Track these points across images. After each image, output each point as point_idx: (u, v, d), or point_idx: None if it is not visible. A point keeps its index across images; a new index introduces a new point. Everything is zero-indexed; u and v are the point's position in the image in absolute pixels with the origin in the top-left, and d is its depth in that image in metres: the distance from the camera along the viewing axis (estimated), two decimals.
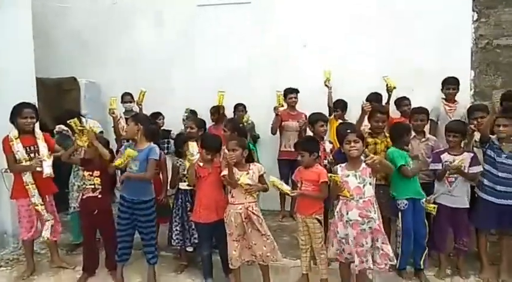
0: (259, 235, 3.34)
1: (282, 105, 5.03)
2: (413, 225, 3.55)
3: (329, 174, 3.16)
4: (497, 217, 3.59)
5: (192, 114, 5.18)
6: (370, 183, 3.12)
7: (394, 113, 4.82)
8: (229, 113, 5.36)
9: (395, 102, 4.90)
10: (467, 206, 3.64)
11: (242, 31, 5.76)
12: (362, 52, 5.40)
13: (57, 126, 4.44)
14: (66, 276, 3.89)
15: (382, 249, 3.14)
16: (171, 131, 5.32)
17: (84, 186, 3.68)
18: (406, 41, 5.30)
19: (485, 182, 3.63)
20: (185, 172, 3.74)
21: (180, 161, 3.92)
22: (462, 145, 3.77)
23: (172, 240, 3.91)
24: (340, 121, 4.81)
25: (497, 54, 5.21)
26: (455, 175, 3.58)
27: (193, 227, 3.79)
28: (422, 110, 4.07)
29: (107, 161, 3.59)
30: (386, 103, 4.71)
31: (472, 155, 3.64)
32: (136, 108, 5.39)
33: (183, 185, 3.90)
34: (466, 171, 3.56)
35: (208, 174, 3.49)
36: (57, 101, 5.29)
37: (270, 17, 5.68)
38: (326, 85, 4.98)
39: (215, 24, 5.87)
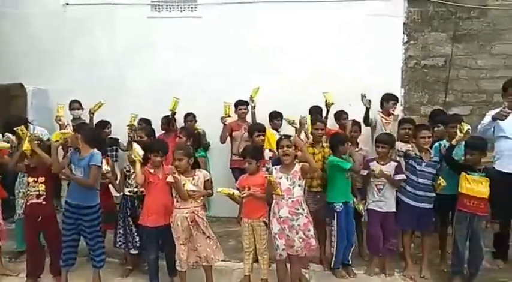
0: (205, 237, 3.55)
1: (229, 116, 5.28)
2: (345, 226, 3.91)
3: (265, 174, 3.44)
4: (418, 219, 4.03)
5: (144, 123, 5.27)
6: (299, 185, 3.48)
7: (333, 125, 5.22)
8: (179, 123, 5.53)
9: (334, 115, 5.28)
10: (395, 210, 4.04)
11: (192, 42, 5.93)
12: (305, 70, 5.73)
13: (5, 134, 4.40)
14: None
15: (308, 239, 3.48)
16: (118, 139, 5.39)
17: (28, 192, 3.72)
18: (344, 60, 5.70)
19: (408, 187, 4.05)
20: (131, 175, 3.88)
21: (128, 166, 4.04)
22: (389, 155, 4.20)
23: (116, 243, 4.02)
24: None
25: (425, 74, 5.78)
26: (383, 182, 3.97)
27: (135, 231, 3.93)
28: (355, 122, 4.48)
29: (50, 167, 3.65)
30: (325, 117, 5.08)
31: (396, 164, 4.05)
32: (84, 116, 5.45)
33: (127, 190, 4.03)
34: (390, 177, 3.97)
35: (158, 180, 3.64)
36: (2, 107, 5.21)
37: (218, 30, 5.89)
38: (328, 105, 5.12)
39: (166, 35, 6.01)
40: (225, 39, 5.88)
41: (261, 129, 4.42)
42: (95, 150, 3.67)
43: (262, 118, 5.28)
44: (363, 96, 4.86)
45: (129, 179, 4.03)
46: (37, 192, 3.64)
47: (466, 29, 5.67)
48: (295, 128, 4.42)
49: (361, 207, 3.98)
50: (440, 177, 3.91)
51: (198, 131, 5.19)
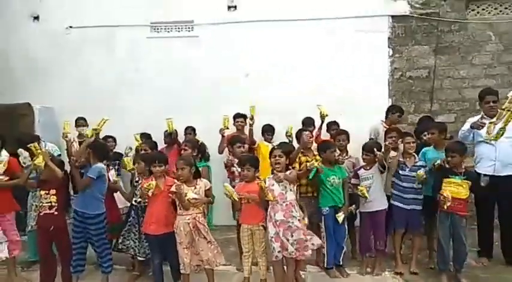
0: (206, 242, 3.80)
1: (228, 128, 5.58)
2: (334, 229, 4.20)
3: (256, 181, 3.74)
4: (407, 220, 4.33)
5: (145, 137, 5.55)
6: (291, 190, 3.76)
7: (325, 135, 5.52)
8: (180, 136, 5.82)
9: (326, 126, 5.60)
10: (385, 207, 4.31)
11: (190, 61, 6.27)
12: (297, 84, 6.10)
13: (18, 150, 4.68)
14: None
15: (302, 242, 3.73)
16: (122, 154, 5.66)
17: (41, 204, 3.96)
18: (335, 73, 6.07)
19: (395, 191, 4.36)
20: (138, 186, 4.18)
21: (138, 177, 4.30)
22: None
23: (122, 245, 4.27)
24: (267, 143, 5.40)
25: (410, 84, 6.13)
26: (369, 185, 4.26)
27: (143, 238, 4.18)
28: (343, 132, 4.81)
29: (61, 180, 3.93)
30: (319, 128, 5.40)
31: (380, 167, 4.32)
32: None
33: (134, 201, 4.30)
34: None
35: (160, 192, 3.88)
36: (11, 125, 5.49)
37: (215, 49, 6.25)
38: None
39: (164, 55, 6.35)
40: (221, 57, 6.23)
41: (241, 141, 4.71)
42: (99, 164, 3.96)
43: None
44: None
45: (136, 189, 4.29)
46: (49, 204, 3.89)
47: (447, 42, 6.04)
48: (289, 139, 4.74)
49: (341, 217, 4.19)
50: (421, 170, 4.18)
51: (201, 142, 5.48)
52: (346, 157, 4.73)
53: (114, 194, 4.50)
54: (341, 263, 4.32)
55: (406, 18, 6.06)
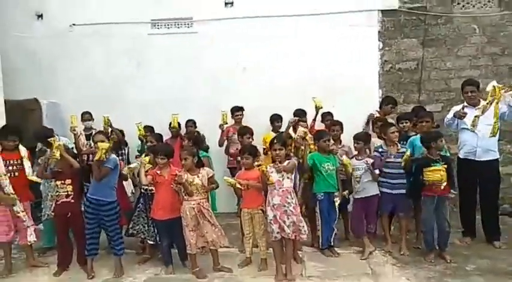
0: (210, 225, 4.16)
1: (226, 123, 5.90)
2: (327, 212, 4.55)
3: (258, 167, 4.09)
4: (394, 204, 4.69)
5: (148, 129, 5.85)
6: (288, 177, 4.08)
7: (319, 125, 5.85)
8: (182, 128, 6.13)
9: (321, 116, 5.92)
10: (375, 193, 4.65)
11: (189, 56, 6.55)
12: (293, 77, 6.39)
13: (38, 144, 4.99)
14: (42, 273, 4.44)
15: (297, 224, 4.05)
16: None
17: (57, 193, 4.29)
18: (328, 66, 6.36)
19: (382, 179, 4.69)
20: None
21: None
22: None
23: (132, 230, 4.62)
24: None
25: (399, 76, 6.45)
26: (360, 174, 4.61)
27: (151, 223, 4.51)
28: (337, 123, 5.16)
29: (75, 170, 4.25)
30: (313, 119, 5.72)
31: (372, 160, 4.65)
32: (95, 126, 6.03)
33: (143, 188, 4.62)
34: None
35: (164, 180, 4.21)
36: (21, 120, 5.77)
37: (214, 44, 6.53)
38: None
39: (164, 50, 6.62)
40: (219, 52, 6.52)
41: (250, 132, 5.09)
42: (113, 155, 4.30)
43: (260, 122, 5.92)
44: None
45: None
46: (66, 193, 4.23)
47: (434, 35, 6.35)
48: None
49: (338, 201, 4.57)
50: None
51: (198, 133, 5.78)
52: (340, 146, 5.06)
53: (124, 183, 4.81)
54: (332, 243, 4.67)
55: (395, 13, 6.35)
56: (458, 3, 6.38)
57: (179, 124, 5.89)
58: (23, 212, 4.30)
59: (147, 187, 4.52)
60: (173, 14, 6.63)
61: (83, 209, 4.34)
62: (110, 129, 5.57)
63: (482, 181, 4.88)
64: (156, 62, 6.68)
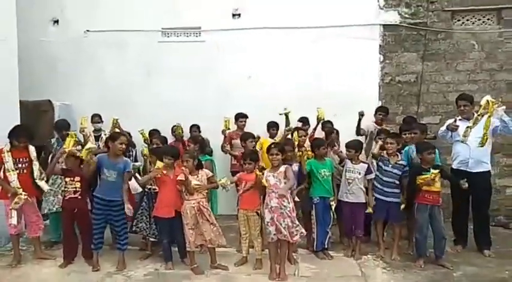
0: (209, 224, 4.39)
1: (229, 129, 6.13)
2: (322, 215, 4.75)
3: (255, 172, 4.32)
4: (387, 211, 4.86)
5: (155, 132, 6.12)
6: (284, 182, 4.27)
7: (320, 134, 6.04)
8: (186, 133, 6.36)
9: (321, 124, 6.12)
10: (363, 201, 4.83)
11: (197, 64, 6.82)
12: (297, 86, 6.64)
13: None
14: (49, 265, 4.67)
15: (292, 227, 4.23)
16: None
17: (66, 189, 4.54)
18: (331, 77, 6.60)
19: (377, 185, 4.88)
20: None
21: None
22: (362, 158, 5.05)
23: (133, 227, 4.83)
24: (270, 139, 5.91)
25: (399, 88, 6.65)
26: (353, 177, 4.80)
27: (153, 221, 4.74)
28: (332, 131, 5.38)
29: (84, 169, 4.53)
30: (314, 128, 5.94)
31: (366, 165, 4.87)
32: (104, 127, 6.29)
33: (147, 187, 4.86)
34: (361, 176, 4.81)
35: (169, 180, 4.46)
36: (35, 120, 6.06)
37: (221, 53, 6.81)
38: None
39: (173, 58, 6.90)
40: (225, 60, 6.80)
41: (252, 137, 5.33)
42: (124, 158, 4.56)
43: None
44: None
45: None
46: (74, 189, 4.48)
47: (434, 49, 6.55)
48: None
49: (333, 205, 4.80)
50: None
51: (202, 138, 6.02)
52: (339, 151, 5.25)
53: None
54: (326, 246, 4.86)
55: (396, 28, 6.58)
56: (458, 20, 6.60)
57: (182, 130, 6.15)
58: (19, 188, 4.50)
59: (150, 186, 4.76)
60: (183, 23, 6.94)
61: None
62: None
63: (474, 192, 5.00)
64: (165, 69, 6.94)
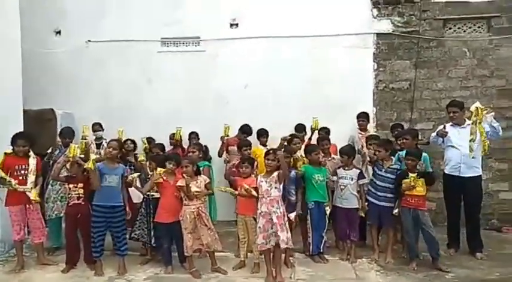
0: (206, 229, 4.53)
1: (228, 136, 6.29)
2: (317, 220, 4.88)
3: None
4: (380, 215, 4.99)
5: (152, 140, 6.26)
6: (275, 187, 4.38)
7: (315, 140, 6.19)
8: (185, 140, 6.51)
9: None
10: (356, 206, 4.96)
11: (196, 73, 6.98)
12: (294, 93, 6.80)
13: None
14: (51, 270, 4.78)
15: (278, 235, 4.27)
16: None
17: (69, 195, 4.68)
18: (325, 85, 6.76)
19: (371, 189, 5.03)
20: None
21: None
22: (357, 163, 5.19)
23: (135, 234, 4.96)
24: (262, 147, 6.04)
25: (393, 95, 6.80)
26: (345, 183, 4.94)
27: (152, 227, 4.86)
28: (325, 137, 5.54)
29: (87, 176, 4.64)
30: (309, 138, 6.08)
31: (359, 171, 5.02)
32: (105, 136, 6.44)
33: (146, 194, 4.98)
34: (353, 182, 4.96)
35: (170, 186, 4.60)
36: (38, 128, 6.18)
37: (219, 62, 6.98)
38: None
39: (173, 67, 7.06)
40: (223, 69, 6.96)
41: (248, 144, 5.49)
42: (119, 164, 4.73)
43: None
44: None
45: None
46: (78, 195, 4.62)
47: (426, 57, 6.72)
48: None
49: (328, 210, 4.94)
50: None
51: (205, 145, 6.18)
52: (330, 158, 5.40)
53: (129, 189, 5.19)
54: (322, 250, 4.98)
55: (390, 36, 6.75)
56: (449, 28, 6.77)
57: (181, 137, 6.30)
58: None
59: (149, 193, 4.89)
60: (182, 33, 7.10)
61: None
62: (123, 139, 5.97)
63: (465, 196, 5.17)
64: (165, 78, 7.10)
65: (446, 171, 5.26)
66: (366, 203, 5.00)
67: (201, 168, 4.90)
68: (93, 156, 4.68)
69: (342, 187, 4.96)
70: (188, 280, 4.49)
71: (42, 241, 4.99)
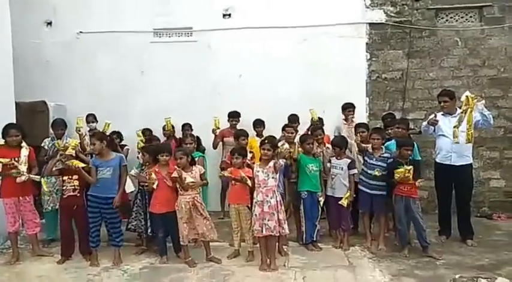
0: (202, 218, 4.56)
1: (218, 128, 6.29)
2: (310, 209, 4.94)
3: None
4: (371, 203, 5.05)
5: (148, 131, 6.25)
6: (272, 177, 4.43)
7: None
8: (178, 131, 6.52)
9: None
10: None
11: (189, 63, 6.97)
12: (286, 84, 6.82)
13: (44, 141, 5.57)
14: (47, 261, 4.80)
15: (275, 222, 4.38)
16: (126, 145, 6.32)
17: (65, 187, 4.68)
18: (319, 75, 6.78)
19: (363, 178, 5.09)
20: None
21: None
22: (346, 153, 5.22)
23: (132, 225, 5.00)
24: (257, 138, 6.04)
25: (385, 85, 6.84)
26: (336, 173, 5.00)
27: (148, 217, 4.89)
28: (319, 127, 5.57)
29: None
30: (307, 129, 6.05)
31: (349, 160, 5.06)
32: (99, 128, 6.41)
33: (141, 185, 5.01)
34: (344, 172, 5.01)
35: (163, 177, 4.62)
36: (30, 121, 6.17)
37: (212, 53, 6.98)
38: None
39: (165, 57, 7.05)
40: (217, 60, 6.95)
41: (245, 134, 5.50)
42: (117, 153, 4.70)
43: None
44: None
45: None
46: (73, 187, 4.63)
47: (419, 47, 6.76)
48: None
49: (322, 200, 4.99)
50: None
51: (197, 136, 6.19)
52: (324, 148, 5.44)
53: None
54: (315, 239, 5.04)
55: (382, 26, 6.78)
56: (442, 18, 6.80)
57: (173, 126, 6.30)
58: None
59: (143, 184, 4.90)
60: (174, 24, 7.07)
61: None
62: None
63: (457, 184, 5.24)
64: (157, 69, 7.08)
65: (437, 160, 5.32)
66: (355, 195, 5.05)
67: (196, 159, 4.91)
68: (72, 144, 4.68)
69: (333, 176, 5.01)
70: (183, 269, 4.52)
71: (36, 232, 5.00)
